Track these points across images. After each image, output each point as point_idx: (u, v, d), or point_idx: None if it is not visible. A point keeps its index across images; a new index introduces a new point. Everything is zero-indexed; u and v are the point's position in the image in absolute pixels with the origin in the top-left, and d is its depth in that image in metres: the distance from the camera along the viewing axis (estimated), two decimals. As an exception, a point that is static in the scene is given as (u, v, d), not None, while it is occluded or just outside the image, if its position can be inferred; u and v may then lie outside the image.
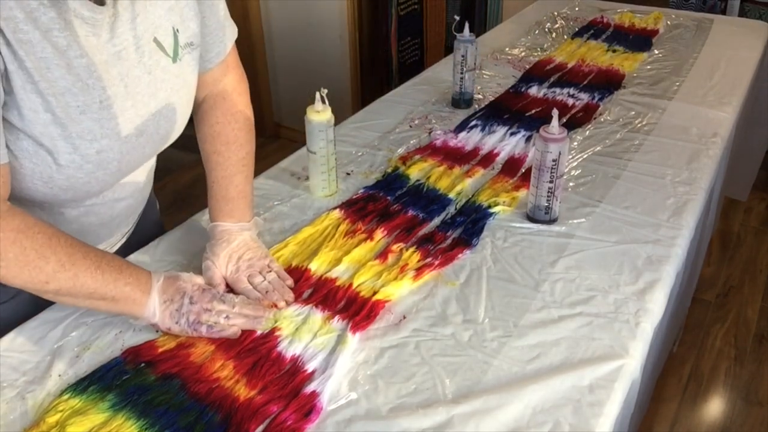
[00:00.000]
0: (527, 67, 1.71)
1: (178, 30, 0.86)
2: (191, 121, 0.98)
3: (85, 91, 0.76)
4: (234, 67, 1.02)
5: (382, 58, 3.08)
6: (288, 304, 0.91)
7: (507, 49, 1.84)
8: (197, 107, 1.00)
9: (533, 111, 1.46)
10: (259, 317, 0.88)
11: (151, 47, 0.83)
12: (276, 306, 0.90)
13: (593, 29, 1.96)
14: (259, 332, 0.86)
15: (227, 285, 0.94)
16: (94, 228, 0.95)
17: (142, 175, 0.97)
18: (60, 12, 0.72)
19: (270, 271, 0.94)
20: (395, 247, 1.01)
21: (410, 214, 1.11)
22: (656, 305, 0.91)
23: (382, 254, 1.00)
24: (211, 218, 1.00)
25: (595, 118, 1.43)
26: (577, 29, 1.97)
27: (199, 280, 0.89)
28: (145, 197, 1.05)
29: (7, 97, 0.72)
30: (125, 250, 1.04)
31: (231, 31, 0.99)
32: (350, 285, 0.94)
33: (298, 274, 0.96)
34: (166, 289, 0.85)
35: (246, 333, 0.86)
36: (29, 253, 0.74)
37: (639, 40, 1.86)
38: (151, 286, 0.84)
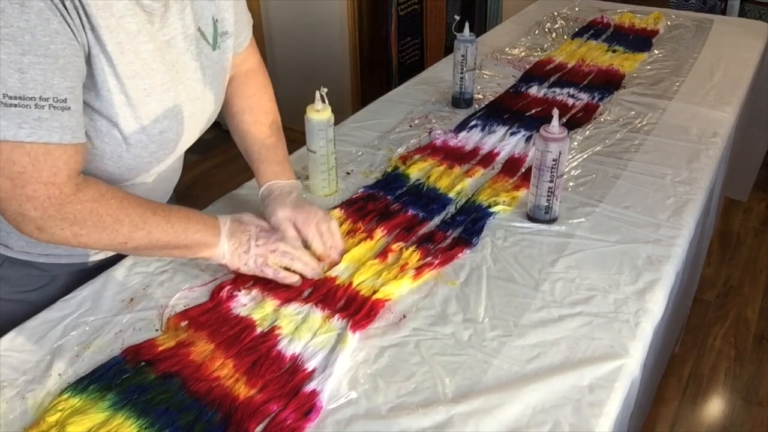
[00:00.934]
0: (527, 67, 1.71)
1: (217, 20, 0.93)
2: None
3: (150, 74, 0.82)
4: (256, 49, 1.10)
5: (382, 58, 3.08)
6: (337, 263, 0.97)
7: (507, 49, 1.84)
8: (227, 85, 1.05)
9: (533, 111, 1.46)
10: (314, 267, 0.94)
11: (196, 36, 0.89)
12: (333, 261, 0.97)
13: (593, 29, 1.96)
14: (258, 330, 0.86)
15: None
16: None
17: (181, 157, 1.04)
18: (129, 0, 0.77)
19: (330, 220, 1.00)
20: (395, 246, 1.01)
21: (410, 213, 1.11)
22: (656, 305, 0.91)
23: (382, 253, 1.00)
24: (262, 180, 1.03)
25: (595, 118, 1.43)
26: (577, 29, 1.97)
27: (262, 222, 0.95)
28: (179, 175, 1.09)
29: (87, 79, 0.77)
30: None
31: (250, 18, 1.06)
32: (350, 284, 0.94)
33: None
34: (233, 232, 0.91)
35: (245, 332, 0.86)
36: (105, 219, 0.79)
37: (639, 41, 1.86)
38: (219, 230, 0.90)
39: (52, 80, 0.70)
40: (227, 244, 0.90)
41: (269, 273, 0.91)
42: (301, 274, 0.93)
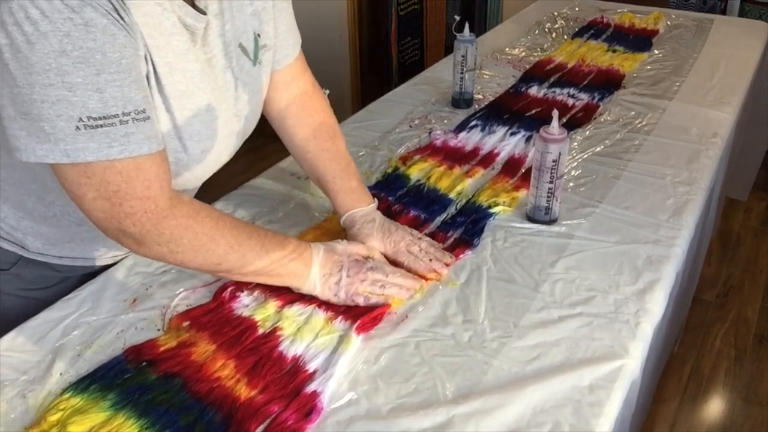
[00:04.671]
0: (527, 67, 1.71)
1: (259, 34, 0.90)
2: None
3: (195, 94, 0.81)
4: (306, 67, 1.06)
5: (382, 58, 3.08)
6: (448, 266, 0.97)
7: (507, 49, 1.84)
8: (283, 112, 1.03)
9: (533, 111, 1.46)
10: (412, 285, 0.92)
11: (237, 52, 0.88)
12: (439, 273, 0.95)
13: (593, 29, 1.96)
14: (260, 331, 0.86)
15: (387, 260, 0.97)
16: None
17: None
18: (176, 19, 0.76)
19: (420, 239, 1.00)
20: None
21: (412, 214, 1.11)
22: (656, 305, 0.91)
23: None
24: (342, 209, 1.02)
25: (595, 119, 1.43)
26: (577, 29, 1.97)
27: (355, 249, 0.94)
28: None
29: None
30: None
31: (297, 34, 1.02)
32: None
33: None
34: (325, 263, 0.90)
35: (247, 333, 0.86)
36: (201, 238, 0.79)
37: (639, 41, 1.86)
38: (312, 260, 0.89)
39: (129, 93, 0.69)
40: (319, 275, 0.89)
41: (360, 301, 0.89)
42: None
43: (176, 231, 0.77)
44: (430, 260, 0.96)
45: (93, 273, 0.99)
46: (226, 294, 0.92)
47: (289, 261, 0.87)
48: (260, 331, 0.86)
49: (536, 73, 1.67)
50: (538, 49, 1.83)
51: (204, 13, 0.80)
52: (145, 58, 0.74)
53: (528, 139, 1.33)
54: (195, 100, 0.81)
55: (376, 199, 1.05)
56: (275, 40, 0.95)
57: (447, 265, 0.97)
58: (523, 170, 1.23)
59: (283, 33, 0.97)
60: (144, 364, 0.81)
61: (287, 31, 0.98)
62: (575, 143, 1.33)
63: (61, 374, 0.80)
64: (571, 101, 1.51)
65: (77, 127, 0.67)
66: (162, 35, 0.75)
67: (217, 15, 0.83)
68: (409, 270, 0.95)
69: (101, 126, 0.68)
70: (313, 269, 0.88)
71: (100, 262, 0.99)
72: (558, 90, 1.56)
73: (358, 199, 1.02)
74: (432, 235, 1.05)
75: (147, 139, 0.72)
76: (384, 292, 0.90)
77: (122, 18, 0.69)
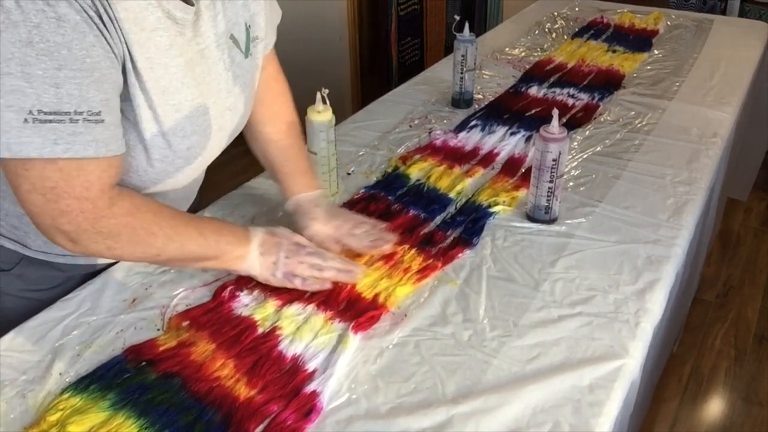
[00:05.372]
0: (527, 67, 1.71)
1: (249, 26, 0.91)
2: None
3: (180, 89, 0.80)
4: (274, 54, 1.07)
5: (382, 58, 3.08)
6: (391, 245, 1.00)
7: (507, 49, 1.84)
8: None
9: (533, 111, 1.46)
10: (350, 270, 0.94)
11: (229, 44, 0.87)
12: (386, 251, 0.98)
13: (593, 29, 1.96)
14: (259, 331, 0.86)
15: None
16: None
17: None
18: (162, 13, 0.75)
19: (364, 223, 1.01)
20: (398, 249, 1.01)
21: (411, 213, 1.11)
22: (656, 305, 0.91)
23: (385, 256, 1.00)
24: (289, 193, 1.04)
25: (595, 118, 1.43)
26: (577, 29, 1.97)
27: (295, 237, 0.94)
28: (201, 181, 1.08)
29: (123, 91, 0.76)
30: None
31: (278, 15, 1.03)
32: (353, 285, 0.94)
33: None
34: (264, 244, 0.90)
35: (246, 332, 0.86)
36: (139, 233, 0.79)
37: (639, 41, 1.86)
38: (250, 242, 0.89)
39: (87, 93, 0.69)
40: (258, 256, 0.90)
41: (298, 283, 0.91)
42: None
43: (114, 229, 0.77)
44: (374, 240, 0.99)
45: (96, 273, 0.99)
46: (226, 293, 0.92)
47: (226, 244, 0.87)
48: (259, 330, 0.86)
49: (536, 73, 1.67)
50: (538, 49, 1.83)
51: (192, 4, 0.79)
52: (126, 56, 0.73)
53: (528, 139, 1.33)
54: (178, 96, 0.80)
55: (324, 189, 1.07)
56: (266, 31, 0.96)
57: (389, 250, 0.99)
58: (523, 170, 1.23)
59: (271, 19, 0.99)
60: (143, 363, 0.81)
61: (273, 17, 1.00)
62: (575, 143, 1.32)
63: (60, 374, 0.80)
64: (571, 101, 1.50)
65: (25, 120, 0.66)
66: (144, 30, 0.74)
67: (209, 6, 0.82)
68: (353, 250, 0.98)
69: (50, 121, 0.67)
70: (252, 249, 0.89)
71: (102, 261, 0.99)
72: (558, 90, 1.56)
73: (305, 185, 1.03)
74: (431, 234, 1.05)
75: (95, 141, 0.71)
76: (322, 275, 0.91)
77: (100, 15, 0.69)
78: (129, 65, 0.74)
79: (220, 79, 0.87)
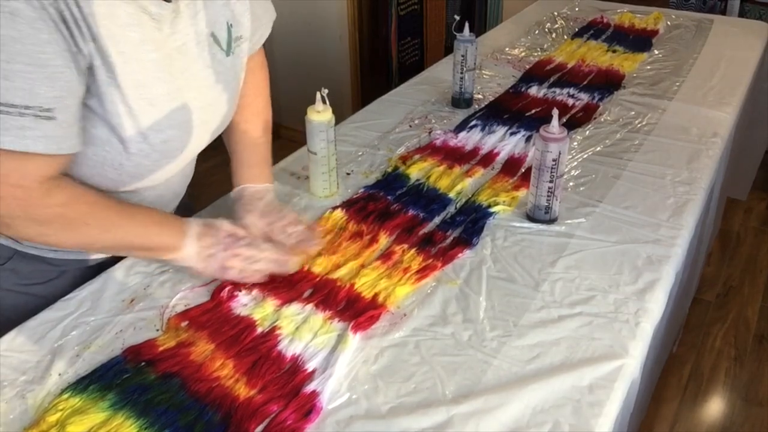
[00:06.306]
0: (527, 67, 1.71)
1: (231, 25, 0.92)
2: None
3: (155, 84, 0.81)
4: (261, 49, 1.08)
5: (382, 58, 3.08)
6: (318, 249, 0.99)
7: (507, 49, 1.84)
8: None
9: (533, 111, 1.46)
10: (286, 260, 0.94)
11: (209, 41, 0.89)
12: (308, 253, 0.98)
13: (593, 29, 1.96)
14: (259, 330, 0.86)
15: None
16: None
17: (192, 160, 1.03)
18: (135, 7, 0.76)
19: (298, 224, 1.00)
20: (397, 249, 1.01)
21: (410, 213, 1.11)
22: (656, 305, 0.91)
23: (384, 255, 1.00)
24: (237, 182, 1.05)
25: (595, 118, 1.43)
26: (577, 29, 1.97)
27: (231, 226, 0.94)
28: (189, 179, 1.08)
29: (92, 87, 0.77)
30: None
31: (270, 15, 1.04)
32: (352, 285, 0.94)
33: (300, 273, 0.96)
34: (201, 236, 0.90)
35: (246, 332, 0.86)
36: (73, 222, 0.80)
37: (639, 41, 1.86)
38: (186, 234, 0.89)
39: (39, 89, 0.69)
40: (193, 248, 0.89)
41: (232, 275, 0.91)
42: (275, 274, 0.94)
43: (47, 217, 0.78)
44: (301, 241, 0.98)
45: (93, 267, 0.99)
46: (225, 293, 0.92)
47: (160, 235, 0.88)
48: (259, 330, 0.86)
49: (536, 73, 1.67)
50: (538, 49, 1.83)
51: (168, 1, 0.80)
52: (94, 53, 0.74)
53: (528, 139, 1.33)
54: (153, 91, 0.81)
55: (274, 185, 1.08)
56: (251, 31, 0.97)
57: (312, 254, 0.99)
58: (523, 170, 1.23)
59: (259, 17, 0.99)
60: (143, 364, 0.81)
61: (263, 15, 1.00)
62: (575, 143, 1.32)
63: (60, 374, 0.80)
64: (571, 101, 1.50)
65: None
66: (116, 25, 0.75)
67: (189, 4, 0.83)
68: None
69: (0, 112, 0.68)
70: (187, 241, 0.89)
71: (95, 256, 0.99)
72: (558, 90, 1.56)
73: (255, 176, 1.04)
74: (431, 234, 1.05)
75: (45, 138, 0.72)
76: (256, 268, 0.92)
77: (61, 12, 0.69)
78: (98, 61, 0.75)
79: (200, 75, 0.88)
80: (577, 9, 2.16)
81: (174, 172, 0.94)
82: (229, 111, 0.98)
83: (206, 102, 0.90)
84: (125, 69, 0.77)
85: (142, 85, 0.80)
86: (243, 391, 0.78)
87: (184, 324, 0.87)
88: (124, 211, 0.85)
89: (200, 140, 0.93)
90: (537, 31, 1.98)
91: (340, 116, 1.20)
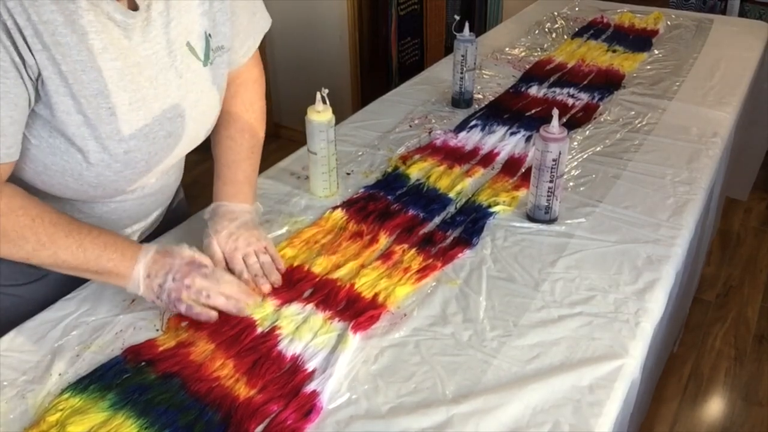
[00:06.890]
0: (527, 67, 1.71)
1: (210, 34, 0.89)
2: None
3: (116, 93, 0.79)
4: (255, 58, 1.05)
5: (382, 58, 3.08)
6: (273, 286, 0.93)
7: (507, 49, 1.84)
8: None
9: (533, 111, 1.46)
10: (239, 300, 0.88)
11: (183, 51, 0.86)
12: (261, 291, 0.92)
13: (593, 29, 1.96)
14: (259, 330, 0.86)
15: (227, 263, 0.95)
16: (124, 222, 0.98)
17: (172, 171, 1.01)
18: (97, 15, 0.74)
19: (265, 253, 0.96)
20: (397, 249, 1.01)
21: (410, 213, 1.11)
22: (656, 305, 0.91)
23: (384, 255, 1.00)
24: (215, 198, 1.02)
25: (595, 118, 1.43)
26: (577, 29, 1.97)
27: (190, 253, 0.88)
28: (173, 192, 1.07)
29: (43, 97, 0.75)
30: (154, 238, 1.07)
31: (262, 25, 1.01)
32: (352, 285, 0.94)
33: (300, 273, 0.96)
34: (152, 265, 0.85)
35: (246, 332, 0.86)
36: (9, 233, 0.78)
37: (639, 41, 1.86)
38: (137, 261, 0.85)
39: None
40: (142, 277, 0.85)
41: (182, 309, 0.85)
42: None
43: None
44: (255, 276, 0.93)
45: None
46: (226, 293, 0.92)
47: (108, 261, 0.83)
48: (259, 330, 0.86)
49: (536, 73, 1.67)
50: (538, 49, 1.83)
51: (135, 9, 0.78)
52: (43, 63, 0.72)
53: (528, 139, 1.33)
54: (113, 99, 0.79)
55: (258, 204, 1.03)
56: (234, 37, 0.94)
57: (273, 285, 0.93)
58: (523, 170, 1.23)
59: (245, 29, 0.96)
60: (143, 364, 0.81)
61: (249, 26, 0.97)
62: (575, 143, 1.32)
63: (60, 374, 0.80)
64: (571, 101, 1.50)
65: None
66: (75, 33, 0.73)
67: (161, 12, 0.81)
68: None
69: None
70: (137, 269, 0.84)
71: None
72: (558, 90, 1.56)
73: (230, 194, 1.00)
74: (431, 234, 1.05)
75: None
76: (208, 302, 0.86)
77: (4, 22, 0.68)
78: (48, 71, 0.73)
79: (170, 85, 0.85)
80: (577, 9, 2.16)
81: (147, 183, 0.91)
82: (208, 121, 0.94)
83: (176, 112, 0.87)
84: (82, 78, 0.75)
85: (102, 94, 0.77)
86: (243, 391, 0.78)
87: (183, 324, 0.87)
88: (72, 231, 0.81)
89: (169, 151, 0.89)
90: (537, 31, 1.98)
91: (340, 116, 1.20)
